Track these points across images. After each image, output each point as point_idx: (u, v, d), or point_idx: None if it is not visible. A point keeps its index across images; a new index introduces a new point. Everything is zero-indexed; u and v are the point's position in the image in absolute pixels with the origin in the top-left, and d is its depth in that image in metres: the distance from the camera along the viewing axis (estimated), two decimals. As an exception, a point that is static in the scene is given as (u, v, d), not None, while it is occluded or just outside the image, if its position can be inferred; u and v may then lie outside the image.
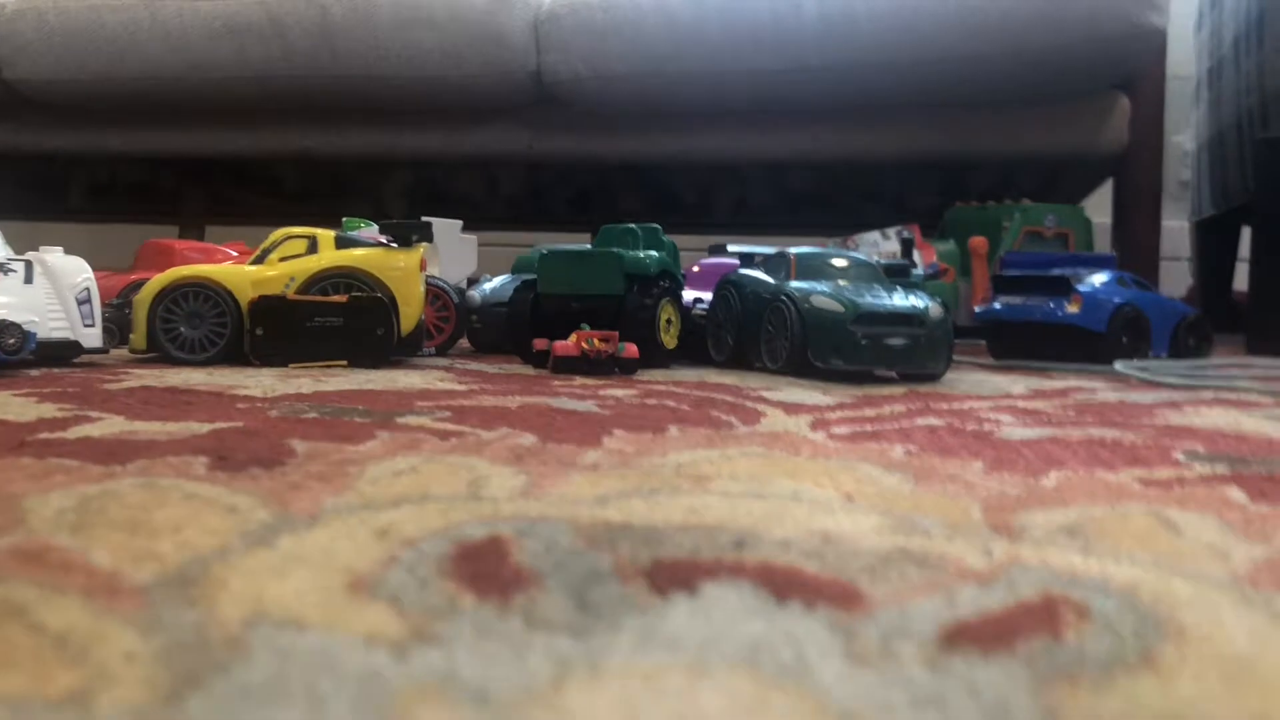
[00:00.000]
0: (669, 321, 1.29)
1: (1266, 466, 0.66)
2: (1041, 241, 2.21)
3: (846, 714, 0.26)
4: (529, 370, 1.20)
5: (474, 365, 1.26)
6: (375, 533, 0.40)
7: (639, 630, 0.31)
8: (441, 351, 1.37)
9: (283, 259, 1.15)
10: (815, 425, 0.80)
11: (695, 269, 1.62)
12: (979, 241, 2.14)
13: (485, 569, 0.36)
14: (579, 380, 1.09)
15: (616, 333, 1.17)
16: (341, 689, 0.26)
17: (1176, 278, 3.11)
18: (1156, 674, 0.30)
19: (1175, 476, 0.62)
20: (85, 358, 1.12)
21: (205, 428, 0.66)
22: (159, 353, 1.13)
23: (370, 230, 1.26)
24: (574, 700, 0.26)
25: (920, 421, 0.85)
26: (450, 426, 0.70)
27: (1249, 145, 2.25)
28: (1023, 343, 1.48)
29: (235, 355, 1.12)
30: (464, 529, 0.41)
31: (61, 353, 1.05)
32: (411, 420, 0.72)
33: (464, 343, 1.48)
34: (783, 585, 0.36)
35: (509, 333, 1.30)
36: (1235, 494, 0.57)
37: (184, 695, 0.25)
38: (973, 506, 0.52)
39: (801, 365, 1.18)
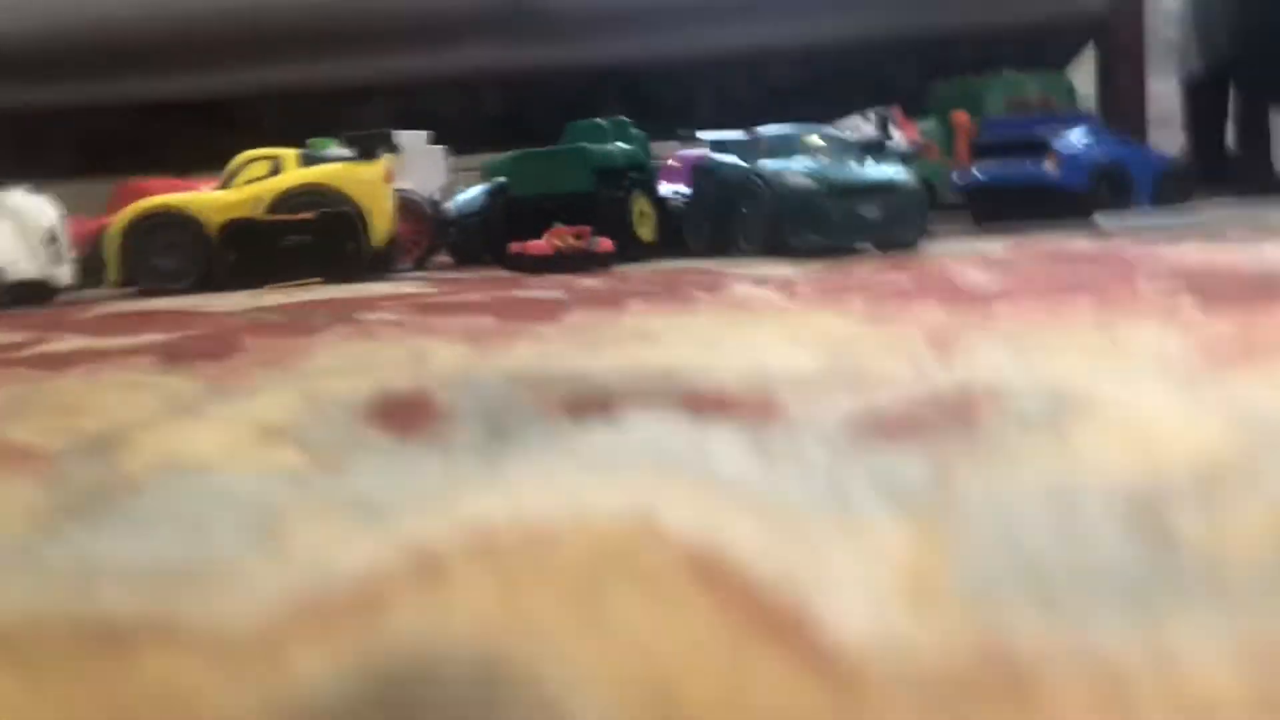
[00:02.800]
0: (642, 214, 1.28)
1: (1224, 281, 0.66)
2: (1026, 111, 2.18)
3: (739, 494, 0.27)
4: (507, 276, 1.19)
5: (452, 275, 1.26)
6: (303, 395, 0.40)
7: (548, 447, 0.31)
8: (419, 265, 1.36)
9: (247, 182, 1.14)
10: (781, 290, 0.80)
11: (672, 162, 1.60)
12: (961, 116, 2.11)
13: (403, 412, 0.36)
14: (555, 278, 1.09)
15: (589, 228, 1.16)
16: (228, 513, 0.26)
17: (1169, 140, 3.06)
18: (1060, 441, 0.30)
19: (1132, 295, 0.62)
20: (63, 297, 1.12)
21: (163, 337, 0.66)
22: (135, 284, 1.13)
23: (338, 150, 1.25)
24: (466, 502, 0.26)
25: (887, 279, 0.85)
26: (411, 318, 0.70)
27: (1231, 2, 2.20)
28: (1005, 207, 1.47)
29: (209, 282, 1.12)
30: (393, 385, 0.41)
31: (33, 293, 1.05)
32: (372, 316, 0.72)
33: (445, 258, 1.48)
34: (702, 405, 0.36)
35: (484, 240, 1.30)
36: (1187, 303, 0.57)
37: (63, 527, 0.25)
38: (917, 334, 0.52)
39: (778, 244, 1.17)
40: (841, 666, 0.17)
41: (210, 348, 0.58)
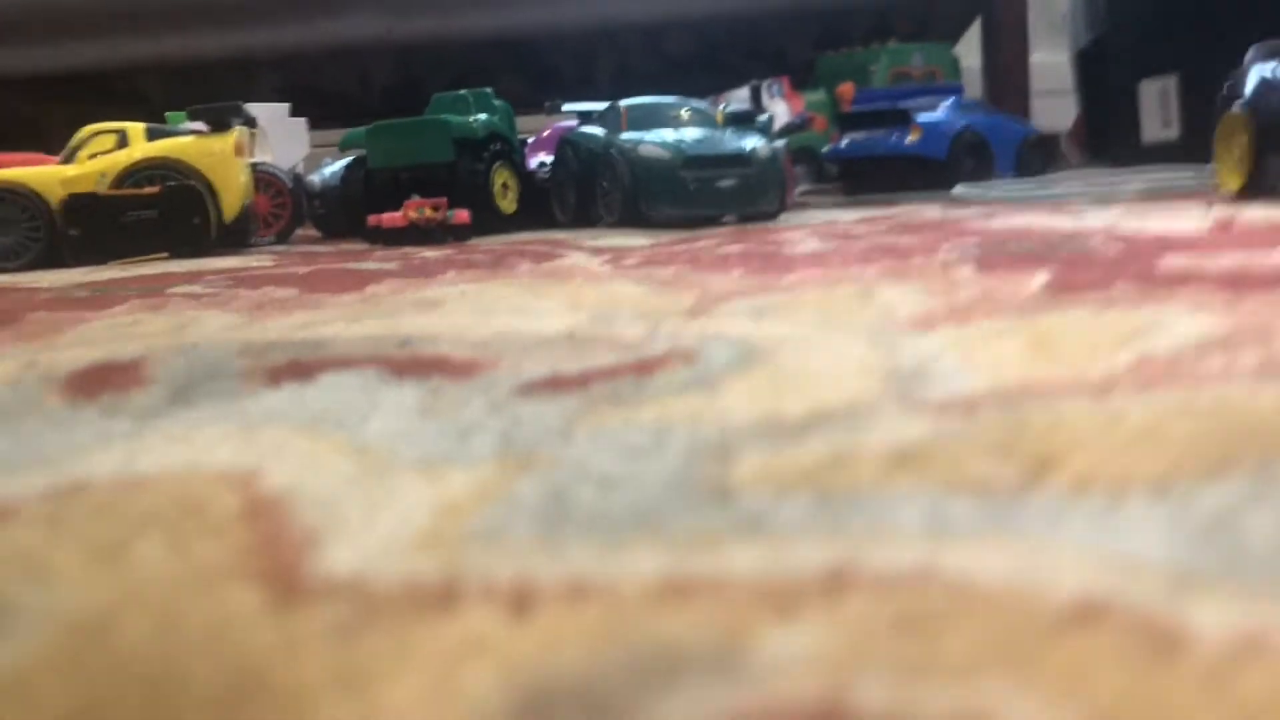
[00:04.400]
0: (505, 185, 1.28)
1: (1021, 247, 0.68)
2: (910, 82, 2.21)
3: (362, 446, 0.27)
4: (364, 248, 1.19)
5: (309, 248, 1.25)
6: (23, 365, 0.40)
7: (217, 412, 0.32)
8: (281, 239, 1.35)
9: (91, 156, 1.12)
10: (608, 261, 0.81)
11: (545, 133, 1.60)
12: (846, 88, 2.13)
13: (100, 379, 0.36)
14: (405, 250, 1.08)
15: (445, 200, 1.16)
16: None
17: (1062, 113, 3.13)
18: (708, 392, 0.31)
19: (922, 263, 0.64)
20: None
21: (-45, 313, 0.64)
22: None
23: (189, 125, 1.23)
24: (73, 462, 0.26)
25: (720, 250, 0.86)
26: (216, 290, 0.69)
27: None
28: (872, 177, 1.49)
29: (52, 259, 1.10)
30: (118, 354, 0.41)
31: None
32: (181, 290, 0.71)
33: (311, 231, 1.46)
34: (410, 369, 0.37)
35: (344, 214, 1.29)
36: (964, 270, 0.59)
37: None
38: (687, 302, 0.53)
39: (636, 215, 1.18)
40: (311, 595, 0.18)
41: (-12, 320, 0.57)
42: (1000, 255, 0.65)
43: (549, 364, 0.37)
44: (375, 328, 0.47)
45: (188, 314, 0.56)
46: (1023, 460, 0.23)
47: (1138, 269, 0.52)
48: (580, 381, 0.33)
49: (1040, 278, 0.52)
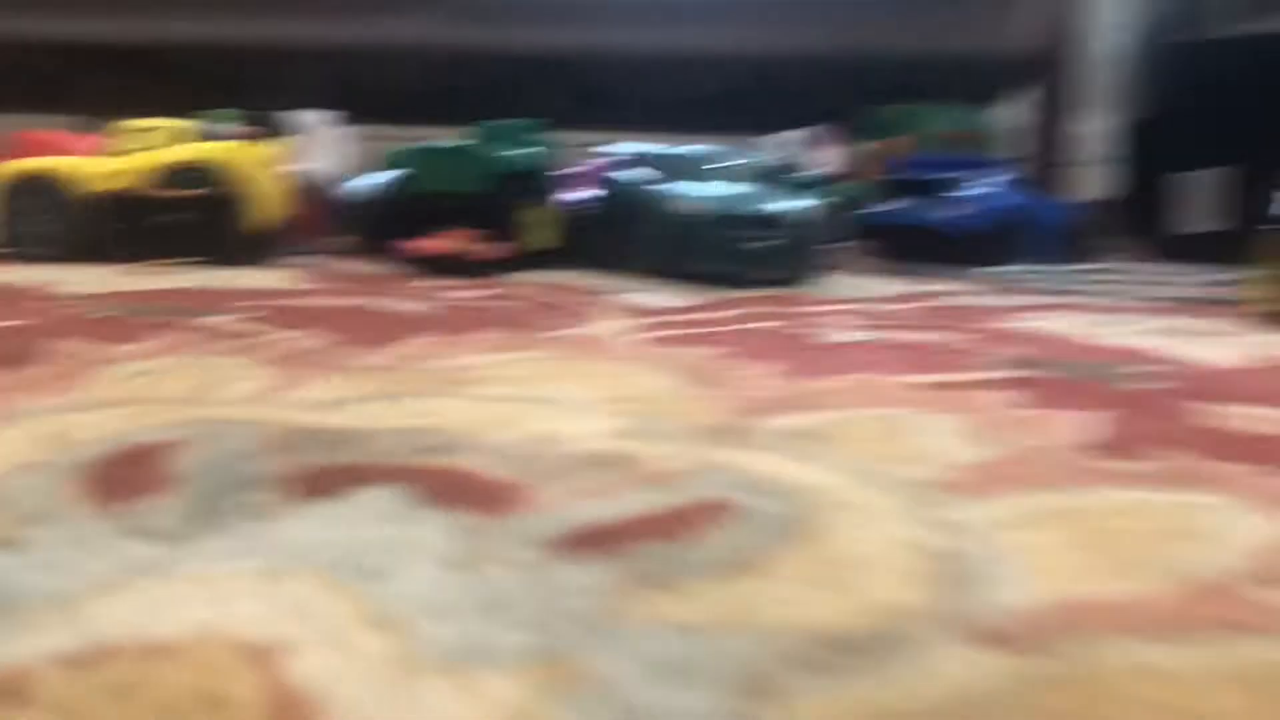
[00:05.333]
0: (543, 222, 1.27)
1: (1062, 370, 0.67)
2: (957, 145, 2.20)
3: (383, 617, 0.26)
4: (397, 270, 1.18)
5: (341, 264, 1.24)
6: (52, 436, 0.39)
7: (242, 540, 0.31)
8: (316, 249, 1.34)
9: (135, 151, 1.12)
10: (637, 329, 0.80)
11: (587, 168, 1.59)
12: (894, 144, 2.13)
13: (125, 475, 0.35)
14: (440, 282, 1.07)
15: (482, 232, 1.15)
16: None
17: (1106, 183, 3.11)
18: (754, 575, 0.30)
19: (968, 381, 0.62)
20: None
21: (-20, 329, 0.64)
22: (15, 247, 1.10)
23: (234, 127, 1.23)
24: (92, 608, 0.25)
25: (752, 325, 0.85)
26: (247, 327, 0.69)
27: (1170, 52, 2.23)
28: (910, 247, 1.48)
29: (88, 251, 1.09)
30: (140, 433, 0.40)
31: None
32: (210, 320, 0.71)
33: (346, 240, 1.45)
34: (443, 489, 0.36)
35: (381, 229, 1.28)
36: (1001, 397, 0.57)
37: None
38: (725, 411, 0.51)
39: (672, 268, 1.17)
40: None
41: (9, 350, 0.56)
42: (1046, 378, 0.63)
43: (584, 498, 0.36)
44: (408, 415, 0.46)
45: (212, 365, 0.55)
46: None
47: (1202, 433, 0.50)
48: (615, 538, 0.32)
49: (1094, 426, 0.50)
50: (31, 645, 0.23)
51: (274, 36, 2.38)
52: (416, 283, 1.05)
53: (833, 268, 1.44)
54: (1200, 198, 1.91)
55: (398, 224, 1.26)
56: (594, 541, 0.32)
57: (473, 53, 2.42)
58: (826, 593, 0.29)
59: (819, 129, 2.21)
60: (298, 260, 1.25)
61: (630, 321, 0.83)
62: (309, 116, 1.34)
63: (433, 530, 0.32)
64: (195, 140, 1.15)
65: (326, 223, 1.35)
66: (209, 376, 0.52)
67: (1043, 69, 2.38)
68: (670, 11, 2.38)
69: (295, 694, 0.22)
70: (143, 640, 0.24)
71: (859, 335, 0.81)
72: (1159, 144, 2.74)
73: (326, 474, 0.37)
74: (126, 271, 1.01)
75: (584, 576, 0.29)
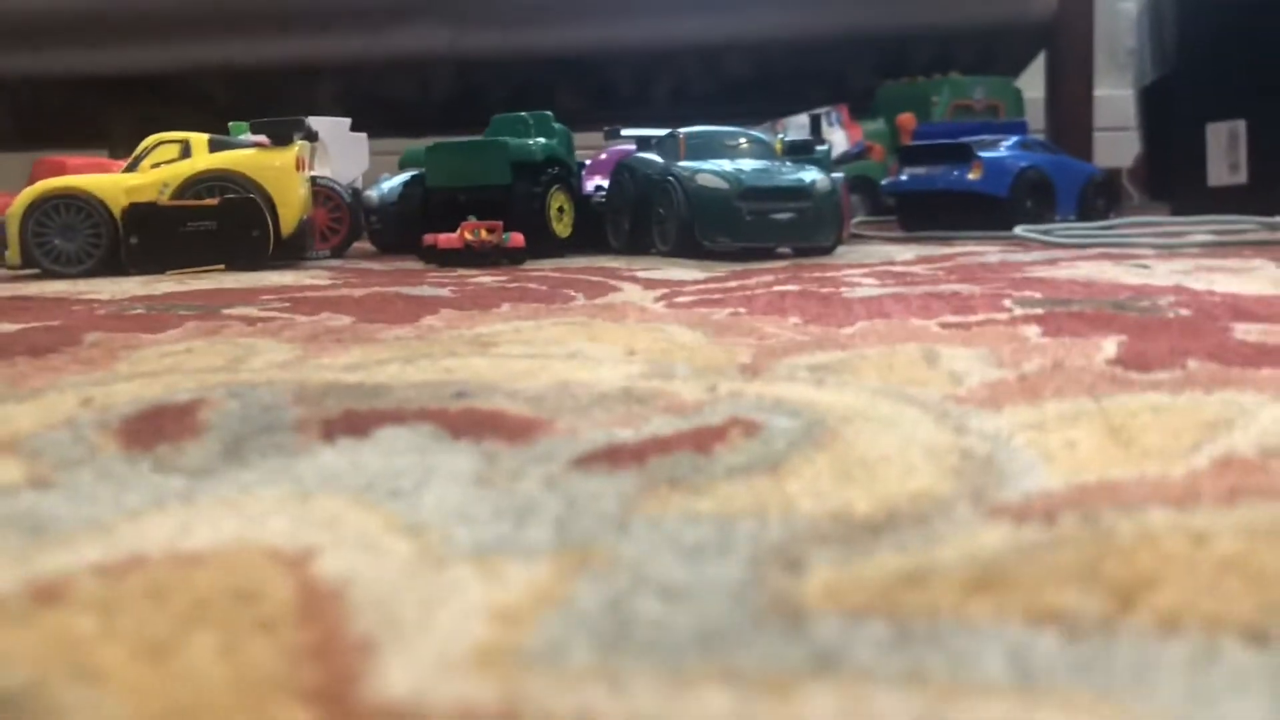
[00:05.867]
0: (561, 209, 1.28)
1: (1086, 305, 0.67)
2: (971, 115, 2.19)
3: (413, 525, 0.27)
4: (419, 266, 1.19)
5: (365, 264, 1.25)
6: (79, 402, 0.40)
7: (271, 471, 0.31)
8: (337, 254, 1.35)
9: (155, 165, 1.13)
10: (662, 298, 0.80)
11: (602, 156, 1.60)
12: (906, 118, 2.12)
13: (156, 426, 0.36)
14: (459, 271, 1.08)
15: (501, 223, 1.16)
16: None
17: (1124, 148, 3.09)
18: (771, 476, 0.30)
19: (986, 319, 0.62)
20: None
21: (16, 327, 0.65)
22: (35, 266, 1.12)
23: (251, 136, 1.24)
24: (125, 529, 0.26)
25: (777, 288, 0.85)
26: (272, 314, 0.69)
27: (1179, 10, 2.21)
28: (931, 213, 1.47)
29: (113, 266, 1.11)
30: (174, 395, 0.40)
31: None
32: (236, 310, 0.72)
33: (367, 245, 1.47)
34: (466, 426, 0.36)
35: (400, 230, 1.29)
36: (1028, 330, 0.57)
37: None
38: (745, 354, 0.52)
39: (691, 245, 1.17)
40: (363, 728, 0.17)
41: (43, 341, 0.57)
42: (1066, 313, 0.63)
43: (605, 427, 0.36)
44: (431, 371, 0.46)
45: (242, 343, 0.56)
46: (1107, 589, 0.22)
47: (1213, 343, 0.51)
48: (637, 455, 0.32)
49: (1110, 346, 0.51)
50: (69, 559, 0.24)
51: (292, 54, 2.40)
52: (437, 274, 1.06)
53: (856, 238, 1.44)
54: (1216, 152, 1.89)
55: (416, 221, 1.27)
56: (619, 457, 0.32)
57: (489, 58, 2.44)
58: (852, 486, 0.29)
59: (829, 109, 2.21)
60: (320, 263, 1.26)
61: (654, 292, 0.84)
62: (321, 123, 1.35)
63: (459, 457, 0.33)
64: (209, 152, 1.16)
65: (346, 227, 1.37)
66: (238, 351, 0.53)
67: (1061, 34, 2.37)
68: (674, 4, 2.39)
69: (325, 585, 0.23)
70: (176, 551, 0.25)
71: (878, 288, 0.81)
72: (1173, 104, 2.73)
73: (355, 415, 0.37)
74: (155, 279, 1.02)
75: (610, 484, 0.30)
